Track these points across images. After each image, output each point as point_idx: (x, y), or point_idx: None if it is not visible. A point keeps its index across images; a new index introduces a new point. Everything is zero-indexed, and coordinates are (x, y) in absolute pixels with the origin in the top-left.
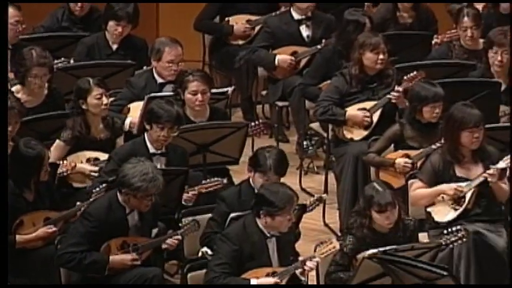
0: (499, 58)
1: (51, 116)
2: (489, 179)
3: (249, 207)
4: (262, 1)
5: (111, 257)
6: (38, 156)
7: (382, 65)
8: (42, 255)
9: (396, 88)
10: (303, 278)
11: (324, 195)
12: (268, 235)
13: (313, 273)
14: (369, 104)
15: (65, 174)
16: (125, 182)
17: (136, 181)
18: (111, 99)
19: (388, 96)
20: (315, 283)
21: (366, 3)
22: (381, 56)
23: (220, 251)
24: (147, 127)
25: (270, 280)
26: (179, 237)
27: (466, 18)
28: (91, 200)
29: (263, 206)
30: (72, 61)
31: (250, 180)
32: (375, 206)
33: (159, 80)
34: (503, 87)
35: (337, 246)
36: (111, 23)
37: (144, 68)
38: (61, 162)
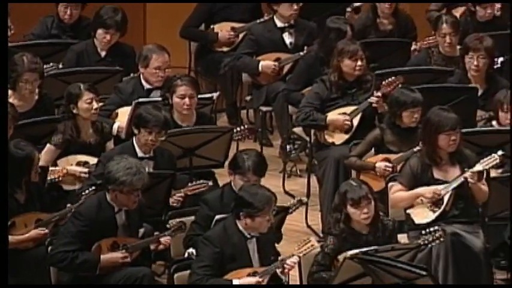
0: (475, 63)
1: (42, 121)
2: (470, 180)
3: (231, 209)
4: (246, 9)
5: (102, 256)
6: (28, 157)
7: (361, 71)
8: (33, 256)
9: (375, 93)
10: (283, 277)
11: (304, 198)
12: (248, 236)
13: (296, 273)
14: (348, 109)
15: (56, 180)
16: (111, 178)
17: (121, 175)
18: (100, 104)
19: (368, 100)
20: (298, 283)
21: (347, 11)
22: (359, 63)
23: (202, 254)
24: (136, 131)
25: (252, 280)
26: (169, 238)
27: (444, 25)
28: (80, 202)
29: (243, 208)
30: (60, 65)
31: (232, 183)
32: (349, 200)
33: (147, 86)
34: (480, 92)
35: (316, 244)
36: (99, 31)
37: (131, 74)
38: (52, 168)
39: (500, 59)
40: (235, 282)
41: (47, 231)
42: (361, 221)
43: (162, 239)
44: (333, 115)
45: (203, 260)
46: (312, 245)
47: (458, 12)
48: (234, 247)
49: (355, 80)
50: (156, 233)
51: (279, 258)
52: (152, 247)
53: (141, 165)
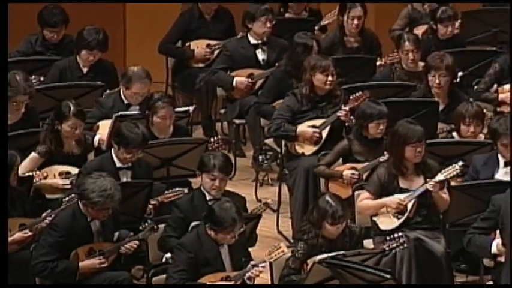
0: (437, 81)
1: (28, 133)
2: (431, 189)
3: (201, 212)
4: (221, 27)
5: (80, 263)
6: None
7: (331, 86)
8: (18, 258)
9: (343, 107)
10: (249, 282)
11: (270, 201)
12: (220, 243)
13: (268, 276)
14: (318, 122)
15: (37, 182)
16: (84, 196)
17: (94, 196)
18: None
19: (337, 114)
20: (270, 281)
21: (315, 29)
22: (330, 78)
23: (178, 259)
24: (115, 147)
25: (224, 284)
26: (137, 242)
27: (406, 43)
28: (60, 208)
29: (209, 221)
30: (42, 78)
31: (201, 187)
32: (328, 218)
33: (126, 101)
34: (441, 107)
35: (285, 250)
36: (83, 52)
37: (108, 91)
38: (33, 172)
39: (460, 74)
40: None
41: (31, 233)
42: (334, 234)
43: (126, 245)
44: (303, 127)
45: (178, 265)
46: (282, 251)
47: (420, 30)
48: (207, 253)
49: (326, 94)
50: (131, 233)
51: (251, 263)
52: (123, 250)
53: (116, 187)
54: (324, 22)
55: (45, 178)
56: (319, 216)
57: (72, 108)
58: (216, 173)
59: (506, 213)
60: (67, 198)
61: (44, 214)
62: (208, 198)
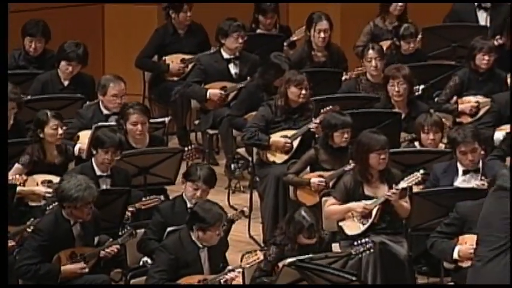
0: (396, 89)
1: (14, 143)
2: (390, 199)
3: (181, 218)
4: (195, 42)
5: (62, 267)
6: None
7: (304, 99)
8: None
9: (314, 120)
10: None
11: (246, 209)
12: (200, 246)
13: (240, 279)
14: (290, 132)
15: (18, 186)
16: (65, 196)
17: (73, 193)
18: (64, 128)
19: (308, 126)
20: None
21: (284, 45)
22: (303, 92)
23: (159, 260)
24: (94, 152)
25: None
26: (118, 246)
27: (370, 51)
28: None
29: (196, 222)
30: (28, 97)
31: (183, 194)
32: (304, 233)
33: (105, 112)
34: (402, 117)
35: (261, 257)
36: (63, 63)
37: (88, 103)
38: (13, 176)
39: (421, 87)
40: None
41: (13, 243)
42: (308, 244)
43: (107, 249)
44: (276, 137)
45: (159, 265)
46: (258, 258)
47: (384, 46)
48: (188, 255)
49: (299, 107)
50: (110, 239)
51: (227, 267)
52: (103, 254)
53: (89, 180)
54: (293, 38)
55: (24, 182)
56: (296, 230)
57: (49, 112)
58: (200, 183)
59: (473, 219)
60: (51, 207)
61: (28, 222)
62: (188, 205)
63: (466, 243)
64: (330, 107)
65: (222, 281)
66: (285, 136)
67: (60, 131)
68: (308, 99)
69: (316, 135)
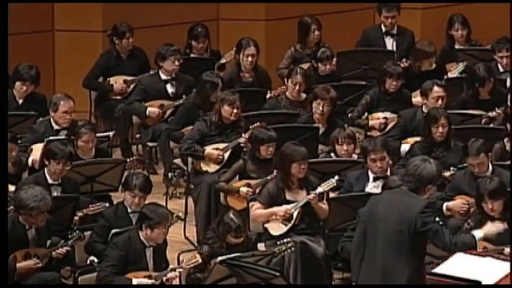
0: (321, 109)
1: None
2: (311, 201)
3: (123, 222)
4: (136, 65)
5: (18, 264)
6: None
7: (236, 117)
8: None
9: (243, 135)
10: (167, 283)
11: (181, 214)
12: (147, 245)
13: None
14: (222, 145)
15: None
16: (22, 205)
17: (30, 203)
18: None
19: (238, 140)
20: (178, 283)
21: (215, 67)
22: (235, 110)
23: (110, 255)
24: (46, 162)
25: (147, 281)
26: (68, 247)
27: (298, 76)
28: None
29: (145, 221)
30: None
31: (124, 201)
32: (232, 232)
33: (56, 127)
34: (321, 131)
35: (200, 260)
36: (17, 83)
37: (40, 119)
38: None
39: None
40: (134, 281)
41: None
42: (236, 243)
43: (58, 250)
44: (209, 149)
45: (110, 260)
46: (197, 260)
47: (305, 66)
48: (135, 253)
49: (231, 123)
50: (62, 241)
51: (170, 266)
52: (54, 255)
53: (45, 192)
54: (223, 61)
55: None
56: (224, 230)
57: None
58: (136, 191)
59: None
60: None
61: None
62: (129, 211)
63: None
64: (258, 123)
65: (164, 278)
66: (218, 148)
67: (13, 153)
68: (239, 116)
69: (244, 149)
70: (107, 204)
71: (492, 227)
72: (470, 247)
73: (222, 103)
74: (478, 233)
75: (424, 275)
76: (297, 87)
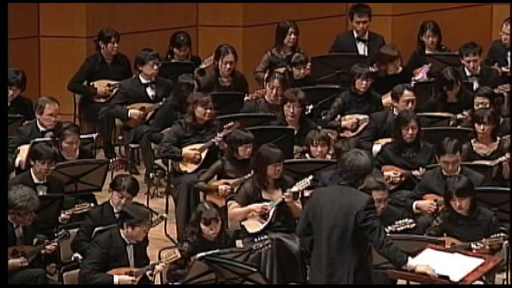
0: (292, 110)
1: None
2: (286, 200)
3: (109, 222)
4: (119, 70)
5: None
6: None
7: (209, 118)
8: None
9: (218, 135)
10: (150, 278)
11: (164, 215)
12: (128, 243)
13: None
14: (198, 146)
15: None
16: (10, 204)
17: (18, 202)
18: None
19: (212, 140)
20: (159, 278)
21: (195, 72)
22: (208, 111)
23: (92, 253)
24: (32, 163)
25: (128, 278)
26: (55, 244)
27: (276, 81)
28: None
29: (126, 219)
30: None
31: (110, 201)
32: (202, 219)
33: (41, 129)
34: (296, 132)
35: (179, 255)
36: None
37: (26, 122)
38: None
39: (311, 107)
40: (116, 277)
41: None
42: (210, 235)
43: (47, 247)
44: (186, 150)
45: (92, 258)
46: (176, 256)
47: (280, 72)
48: (117, 250)
49: (205, 124)
50: (46, 241)
51: (151, 262)
52: (42, 251)
53: (33, 192)
54: (202, 66)
55: None
56: (196, 217)
57: None
58: (124, 192)
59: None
60: None
61: None
62: (115, 211)
63: None
64: (232, 123)
65: (148, 273)
66: (194, 149)
67: None
68: (213, 117)
69: (220, 148)
70: (92, 204)
71: (422, 267)
72: (394, 262)
73: (195, 105)
74: (412, 262)
75: (370, 266)
76: (274, 91)
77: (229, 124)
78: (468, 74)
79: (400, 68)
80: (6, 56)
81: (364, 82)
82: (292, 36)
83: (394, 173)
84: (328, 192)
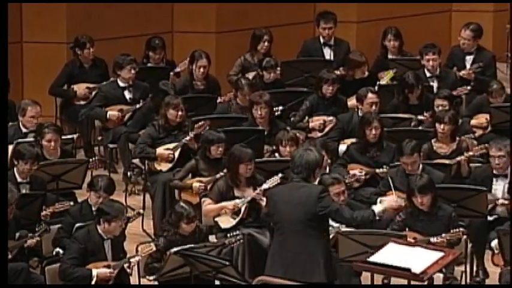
0: (259, 112)
1: None
2: (256, 198)
3: (87, 219)
4: (98, 73)
5: None
6: None
7: (181, 119)
8: None
9: (190, 134)
10: (128, 270)
11: (141, 211)
12: (105, 238)
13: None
14: (172, 145)
15: None
16: None
17: None
18: None
19: (184, 140)
20: (137, 271)
21: (171, 75)
22: (180, 113)
23: (71, 249)
24: (15, 163)
25: (106, 270)
26: (38, 238)
27: (245, 88)
28: None
29: (102, 215)
30: None
31: (89, 199)
32: (184, 219)
33: (24, 130)
34: (266, 133)
35: (154, 248)
36: None
37: (10, 123)
38: None
39: (280, 108)
40: (94, 271)
41: None
42: (188, 231)
43: (29, 241)
44: (160, 150)
45: (71, 253)
46: (152, 249)
47: (250, 75)
48: (94, 245)
49: (177, 125)
50: (30, 234)
51: (127, 256)
52: (26, 245)
53: (10, 185)
54: (177, 70)
55: None
56: (177, 218)
57: None
58: (101, 192)
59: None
60: None
61: None
62: (93, 209)
63: None
64: (201, 122)
65: (126, 266)
66: (168, 149)
67: None
68: (184, 118)
69: (191, 147)
70: (72, 203)
71: (391, 202)
72: (369, 220)
73: (167, 107)
74: (378, 207)
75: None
76: (246, 97)
77: (199, 123)
78: (428, 74)
79: (367, 73)
80: (6, 57)
81: (331, 88)
82: (266, 43)
83: (359, 171)
84: (283, 190)
